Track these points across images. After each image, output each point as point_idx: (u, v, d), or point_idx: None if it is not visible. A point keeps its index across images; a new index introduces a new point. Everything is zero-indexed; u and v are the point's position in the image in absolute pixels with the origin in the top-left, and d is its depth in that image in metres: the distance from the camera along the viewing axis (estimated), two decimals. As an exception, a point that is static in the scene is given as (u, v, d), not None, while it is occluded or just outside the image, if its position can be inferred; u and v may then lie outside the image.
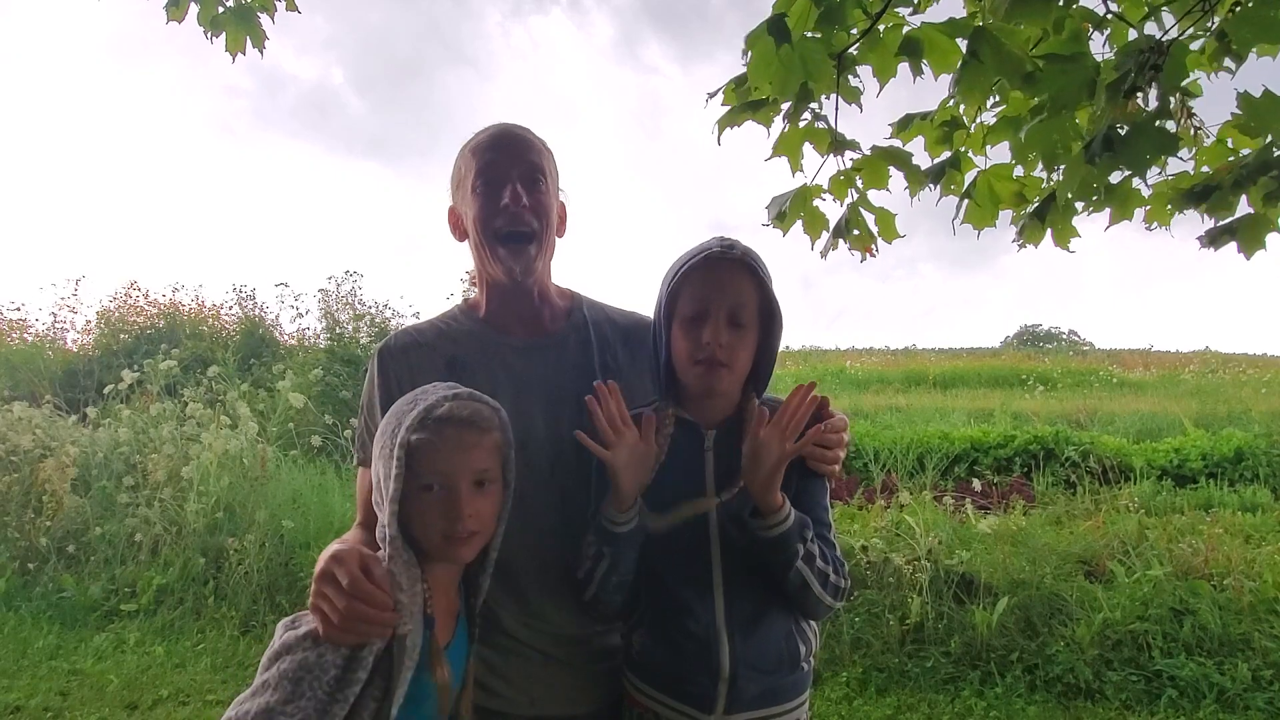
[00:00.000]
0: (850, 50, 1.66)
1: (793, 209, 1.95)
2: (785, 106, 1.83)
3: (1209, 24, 1.62)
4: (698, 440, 1.17)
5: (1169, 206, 1.88)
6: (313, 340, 8.89)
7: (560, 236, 1.31)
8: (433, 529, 1.02)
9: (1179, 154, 1.50)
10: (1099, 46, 1.66)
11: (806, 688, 1.18)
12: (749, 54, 1.56)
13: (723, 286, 1.13)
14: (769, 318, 1.17)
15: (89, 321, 9.82)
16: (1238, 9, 1.48)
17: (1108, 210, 1.88)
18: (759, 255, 1.16)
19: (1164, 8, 1.58)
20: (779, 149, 1.90)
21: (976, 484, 5.35)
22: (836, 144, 1.84)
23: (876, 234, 1.98)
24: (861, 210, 1.96)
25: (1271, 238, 1.70)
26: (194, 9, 2.19)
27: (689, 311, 1.14)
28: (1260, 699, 3.03)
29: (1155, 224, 1.98)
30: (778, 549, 1.10)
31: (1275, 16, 1.39)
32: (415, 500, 1.02)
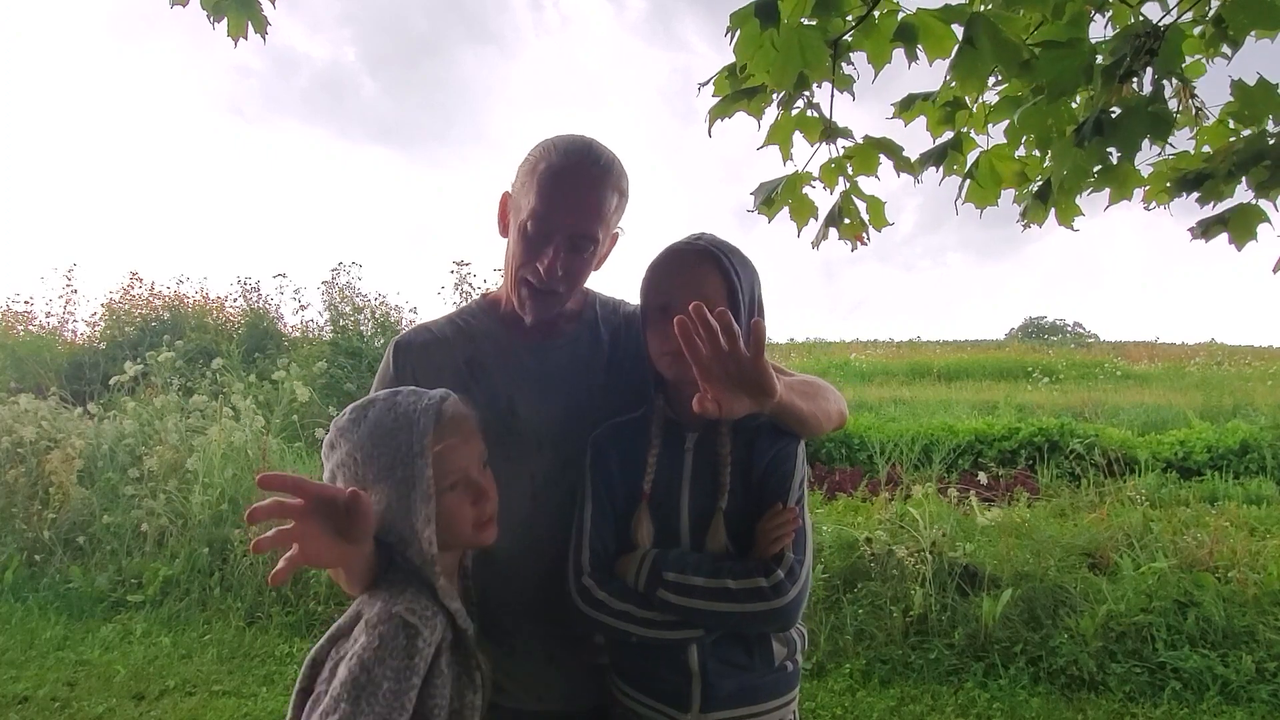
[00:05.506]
0: (845, 37, 1.64)
1: (781, 196, 1.95)
2: (778, 95, 1.81)
3: (1207, 9, 1.60)
4: (679, 440, 1.18)
5: (1167, 185, 1.87)
6: (316, 332, 8.90)
7: (597, 270, 1.26)
8: (463, 522, 1.03)
9: (1174, 136, 1.49)
10: (1100, 29, 1.64)
11: (791, 688, 1.17)
12: (736, 33, 1.52)
13: (686, 276, 1.12)
14: (746, 312, 1.14)
15: (94, 314, 9.85)
16: None
17: (1107, 190, 1.87)
18: (732, 247, 1.15)
19: None
20: (771, 137, 1.89)
21: (981, 476, 5.34)
22: (829, 132, 1.83)
23: (868, 221, 1.97)
24: (853, 198, 1.95)
25: (1271, 229, 1.69)
26: (196, -7, 2.16)
27: (656, 304, 1.14)
28: (1264, 691, 3.03)
29: (1154, 203, 1.97)
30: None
31: (1272, 1, 1.37)
32: (440, 504, 1.01)
